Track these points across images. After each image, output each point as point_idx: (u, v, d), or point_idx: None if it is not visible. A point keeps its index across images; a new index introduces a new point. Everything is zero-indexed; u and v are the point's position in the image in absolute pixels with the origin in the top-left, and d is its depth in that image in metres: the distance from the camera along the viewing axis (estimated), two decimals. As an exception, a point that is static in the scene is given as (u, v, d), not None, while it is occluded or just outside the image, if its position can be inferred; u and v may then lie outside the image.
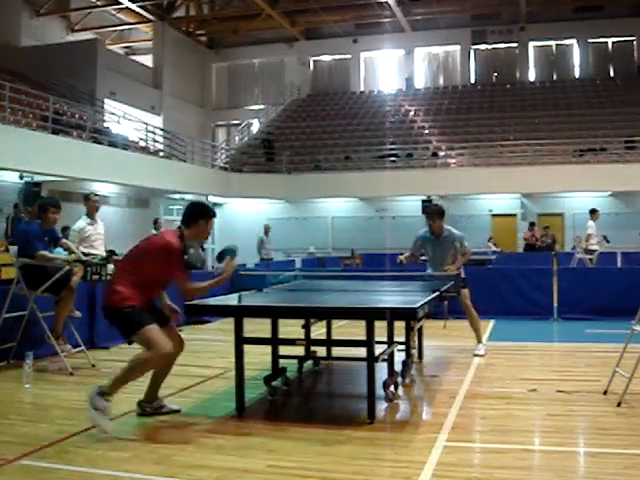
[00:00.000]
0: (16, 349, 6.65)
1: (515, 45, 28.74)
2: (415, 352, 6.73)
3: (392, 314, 4.73)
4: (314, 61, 31.04)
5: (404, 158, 23.30)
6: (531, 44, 28.71)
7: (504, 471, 3.68)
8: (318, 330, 7.01)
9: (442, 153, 23.35)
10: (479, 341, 7.31)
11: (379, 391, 4.88)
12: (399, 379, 5.60)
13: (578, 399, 5.20)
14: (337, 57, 30.70)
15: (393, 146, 23.80)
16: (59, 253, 7.16)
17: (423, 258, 14.62)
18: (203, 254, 11.76)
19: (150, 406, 4.91)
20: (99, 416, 4.34)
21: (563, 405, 5.04)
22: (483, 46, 29.01)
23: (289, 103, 29.95)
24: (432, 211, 7.46)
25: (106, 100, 23.02)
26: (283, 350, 5.85)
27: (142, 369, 4.59)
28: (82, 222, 8.06)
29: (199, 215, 4.85)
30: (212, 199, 23.97)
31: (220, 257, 4.96)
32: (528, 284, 10.18)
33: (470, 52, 29.22)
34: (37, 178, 15.72)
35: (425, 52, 30.06)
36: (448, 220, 22.83)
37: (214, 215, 4.95)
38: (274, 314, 5.40)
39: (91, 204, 8.13)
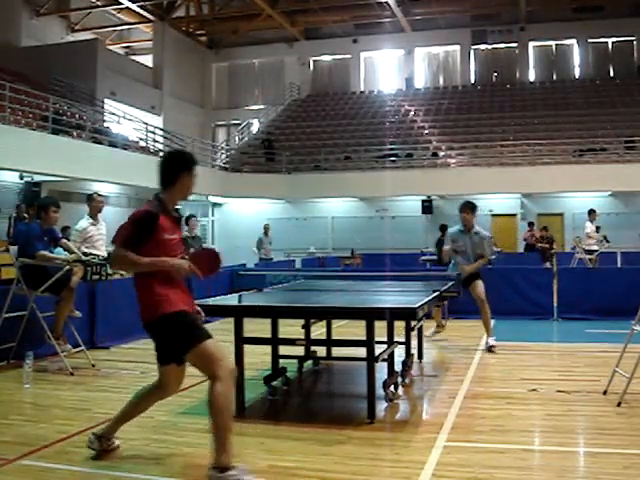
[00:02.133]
0: (16, 349, 6.65)
1: (515, 45, 28.74)
2: (415, 352, 6.73)
3: (392, 314, 4.73)
4: (314, 61, 31.04)
5: (404, 158, 23.29)
6: (531, 44, 28.70)
7: (504, 471, 3.68)
8: (318, 330, 7.01)
9: (442, 153, 23.35)
10: (489, 335, 7.55)
11: (379, 391, 4.88)
12: (399, 379, 5.60)
13: (578, 399, 5.20)
14: (337, 57, 30.69)
15: (393, 146, 23.79)
16: (59, 253, 7.16)
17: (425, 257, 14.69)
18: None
19: (108, 443, 4.04)
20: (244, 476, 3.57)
21: (563, 405, 5.04)
22: (483, 46, 28.99)
23: (289, 103, 29.95)
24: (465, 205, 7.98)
25: (106, 100, 23.01)
26: (283, 350, 5.85)
27: (228, 405, 3.69)
28: (85, 222, 8.03)
29: (180, 167, 3.88)
30: (212, 199, 24.00)
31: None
32: (528, 284, 10.18)
33: (470, 52, 29.21)
34: (37, 178, 15.73)
35: (425, 52, 30.05)
36: (448, 219, 22.72)
37: (196, 163, 3.99)
38: (274, 314, 5.40)
39: (95, 204, 8.07)
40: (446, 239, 8.45)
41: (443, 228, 15.42)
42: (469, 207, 7.87)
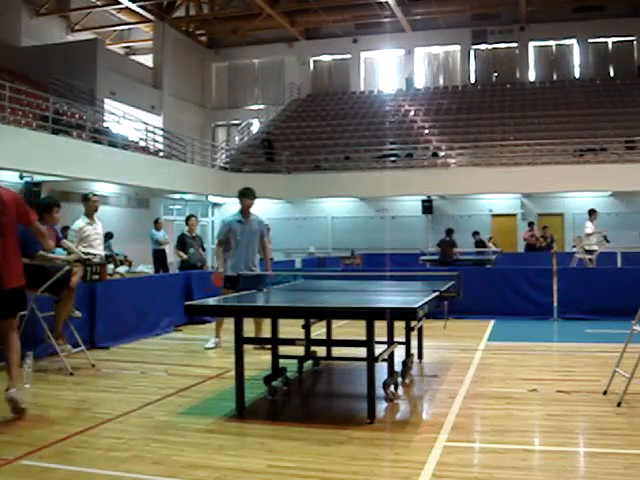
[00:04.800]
0: (16, 349, 6.64)
1: (515, 45, 28.75)
2: (415, 352, 6.72)
3: (392, 314, 4.73)
4: (314, 61, 31.05)
5: (404, 158, 23.30)
6: (531, 44, 28.71)
7: (504, 471, 3.67)
8: (318, 330, 7.01)
9: (442, 153, 23.35)
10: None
11: (379, 391, 4.87)
12: (399, 379, 5.60)
13: (578, 399, 5.19)
14: (337, 57, 30.70)
15: (393, 146, 23.81)
16: (59, 254, 7.16)
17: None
18: (204, 254, 11.75)
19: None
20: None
21: (563, 405, 5.04)
22: (483, 46, 29.01)
23: (289, 103, 29.95)
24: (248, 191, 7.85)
25: (106, 100, 23.03)
26: (283, 350, 5.85)
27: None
28: (81, 222, 8.05)
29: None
30: (212, 199, 24.00)
31: None
32: (528, 284, 10.17)
33: (470, 52, 29.22)
34: (37, 178, 15.72)
35: (425, 52, 30.06)
36: (448, 219, 22.68)
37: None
38: (274, 314, 5.40)
39: (91, 204, 8.11)
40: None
41: (450, 231, 15.21)
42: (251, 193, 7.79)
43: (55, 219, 6.87)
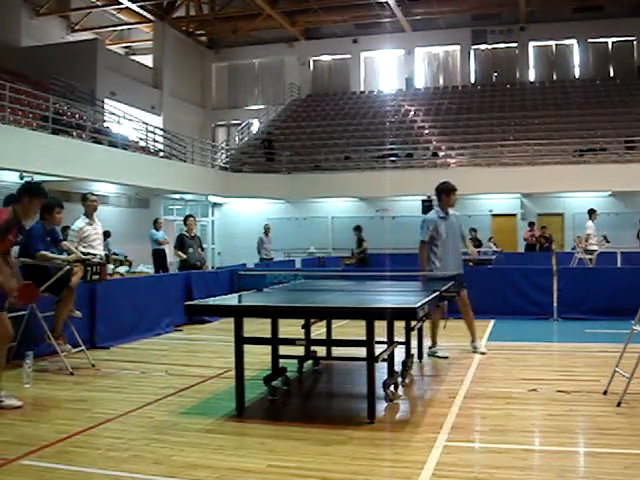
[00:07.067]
0: (16, 349, 6.63)
1: (515, 45, 28.76)
2: (415, 352, 6.71)
3: (392, 314, 4.73)
4: (314, 61, 31.05)
5: (404, 158, 23.29)
6: (531, 44, 28.72)
7: (504, 471, 3.68)
8: (318, 330, 7.01)
9: (442, 153, 23.35)
10: (475, 339, 7.36)
11: (379, 391, 4.87)
12: (399, 379, 5.60)
13: (578, 399, 5.20)
14: (337, 57, 30.70)
15: (393, 146, 23.80)
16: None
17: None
18: (203, 254, 11.75)
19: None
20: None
21: (563, 405, 5.04)
22: (483, 46, 29.02)
23: (289, 103, 29.96)
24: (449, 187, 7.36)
25: (106, 100, 23.02)
26: (283, 350, 5.85)
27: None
28: (81, 222, 8.05)
29: (24, 192, 5.54)
30: (212, 199, 24.00)
31: None
32: (528, 284, 10.17)
33: (470, 52, 29.22)
34: (37, 178, 15.70)
35: (425, 52, 30.06)
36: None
37: (41, 195, 5.57)
38: (274, 314, 5.39)
39: (89, 204, 8.11)
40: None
41: (358, 228, 15.76)
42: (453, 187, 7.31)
43: (57, 220, 6.88)
